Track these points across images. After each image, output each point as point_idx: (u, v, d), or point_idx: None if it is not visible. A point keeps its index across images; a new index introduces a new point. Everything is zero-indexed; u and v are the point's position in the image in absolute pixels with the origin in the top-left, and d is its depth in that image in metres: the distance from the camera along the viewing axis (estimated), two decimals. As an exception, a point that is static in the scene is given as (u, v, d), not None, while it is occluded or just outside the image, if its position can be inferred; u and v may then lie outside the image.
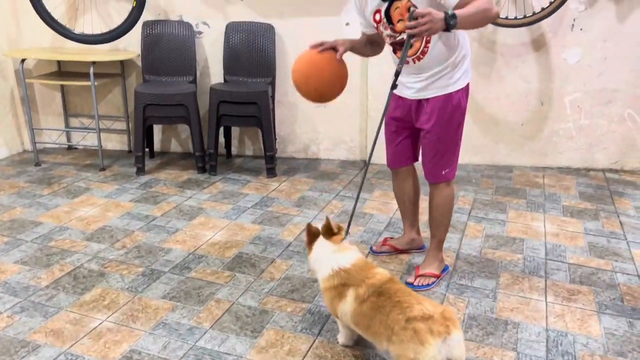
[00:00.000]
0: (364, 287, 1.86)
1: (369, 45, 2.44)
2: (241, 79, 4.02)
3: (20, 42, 4.32)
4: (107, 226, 3.08)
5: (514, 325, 2.17)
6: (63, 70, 4.33)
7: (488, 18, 2.03)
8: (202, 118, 3.98)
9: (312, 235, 2.04)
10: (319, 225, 2.05)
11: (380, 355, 1.96)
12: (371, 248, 2.81)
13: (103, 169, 4.02)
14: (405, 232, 2.76)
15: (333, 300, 1.94)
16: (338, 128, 4.19)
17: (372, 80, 3.94)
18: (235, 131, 4.34)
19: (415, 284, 2.44)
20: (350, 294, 1.88)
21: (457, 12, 1.94)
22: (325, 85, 2.25)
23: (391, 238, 2.85)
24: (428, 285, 2.44)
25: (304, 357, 1.99)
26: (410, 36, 1.99)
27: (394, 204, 3.36)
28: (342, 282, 1.91)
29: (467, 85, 2.31)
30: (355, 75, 4.00)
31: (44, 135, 4.56)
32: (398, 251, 2.75)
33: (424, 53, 2.21)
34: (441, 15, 1.92)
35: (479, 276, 2.54)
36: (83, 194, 3.57)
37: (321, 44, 2.26)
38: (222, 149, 4.25)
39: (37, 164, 4.13)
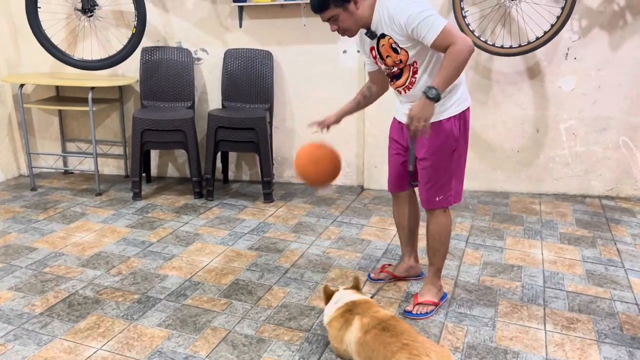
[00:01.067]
0: (369, 317, 1.99)
1: (373, 88, 2.57)
2: (239, 105, 4.05)
3: (20, 66, 4.35)
4: (102, 252, 3.06)
5: (513, 355, 2.15)
6: (61, 95, 4.36)
7: (464, 60, 2.05)
8: (199, 143, 3.99)
9: (328, 297, 2.22)
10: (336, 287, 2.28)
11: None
12: (369, 275, 2.79)
13: (99, 194, 4.01)
14: (404, 258, 2.75)
15: (340, 330, 2.05)
16: (335, 154, 4.20)
17: (368, 107, 3.96)
18: (232, 156, 4.35)
19: (413, 312, 2.42)
20: (356, 322, 2.00)
21: (435, 82, 2.07)
22: (324, 179, 2.52)
23: (389, 265, 2.84)
24: (427, 313, 2.43)
25: (302, 387, 1.96)
26: (414, 138, 2.21)
27: (392, 230, 3.35)
28: (349, 309, 2.06)
29: (463, 114, 2.31)
30: (353, 101, 4.04)
31: (41, 159, 4.55)
32: (396, 278, 2.74)
33: (412, 83, 2.28)
34: (423, 101, 2.06)
35: (477, 304, 2.52)
36: (79, 219, 3.55)
37: (320, 123, 2.59)
38: (219, 174, 4.26)
39: (33, 189, 4.11)
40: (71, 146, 4.56)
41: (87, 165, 4.49)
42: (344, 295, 2.17)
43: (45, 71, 4.32)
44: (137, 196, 3.91)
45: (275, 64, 4.04)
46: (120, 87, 4.26)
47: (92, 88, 3.87)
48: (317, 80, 4.04)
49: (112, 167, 4.56)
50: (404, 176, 2.52)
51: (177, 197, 3.97)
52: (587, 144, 3.85)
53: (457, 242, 3.19)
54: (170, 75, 4.08)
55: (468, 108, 2.33)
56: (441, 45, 2.06)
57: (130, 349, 2.17)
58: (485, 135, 3.97)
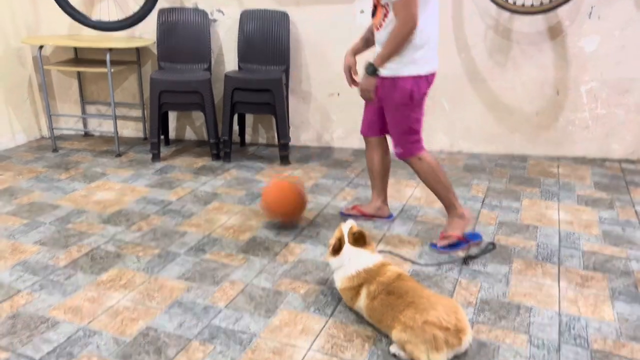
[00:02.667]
0: (375, 284, 2.03)
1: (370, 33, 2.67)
2: (255, 66, 4.04)
3: (38, 29, 4.38)
4: (123, 210, 3.13)
5: (526, 309, 2.17)
6: (80, 58, 4.39)
7: (402, 39, 2.31)
8: (216, 106, 4.01)
9: (340, 244, 2.18)
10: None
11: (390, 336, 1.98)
12: (341, 212, 3.04)
13: (119, 155, 4.07)
14: (373, 199, 2.97)
15: (352, 299, 2.11)
16: (351, 116, 4.19)
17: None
18: (249, 119, 4.37)
19: (438, 245, 2.63)
20: (363, 291, 2.05)
21: (376, 57, 2.40)
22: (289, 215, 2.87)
23: (361, 205, 3.04)
24: (451, 246, 2.61)
25: (317, 336, 2.02)
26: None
27: (408, 191, 3.37)
28: (359, 283, 2.07)
29: (423, 77, 2.43)
30: (370, 63, 4.00)
31: (61, 121, 4.62)
32: (365, 216, 2.96)
33: (380, 26, 2.43)
34: (364, 76, 2.44)
35: (491, 262, 2.54)
36: (100, 179, 3.62)
37: (349, 79, 2.70)
38: (236, 137, 4.28)
39: (55, 150, 4.19)
40: (90, 109, 4.61)
41: (107, 127, 4.55)
42: (353, 257, 2.13)
43: (63, 33, 4.34)
44: (156, 157, 3.96)
45: (292, 24, 4.01)
46: (137, 49, 4.27)
47: (110, 49, 3.89)
48: (333, 41, 4.00)
49: (130, 129, 4.61)
50: (375, 122, 2.72)
51: (195, 159, 4.01)
52: (609, 106, 3.78)
53: (472, 203, 3.20)
54: (186, 37, 4.07)
55: (431, 74, 2.47)
56: (396, 10, 2.28)
57: (151, 300, 2.25)
58: (504, 97, 3.92)
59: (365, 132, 2.81)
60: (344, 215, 2.97)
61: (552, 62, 3.78)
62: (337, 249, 2.16)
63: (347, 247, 2.15)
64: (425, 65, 2.43)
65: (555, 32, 3.71)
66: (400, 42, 2.31)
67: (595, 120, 3.83)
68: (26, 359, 1.89)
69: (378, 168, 2.85)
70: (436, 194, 2.66)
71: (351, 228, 2.20)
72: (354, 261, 2.12)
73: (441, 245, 2.61)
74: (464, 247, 2.60)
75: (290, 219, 2.91)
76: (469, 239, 2.64)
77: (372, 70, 2.42)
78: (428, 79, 2.46)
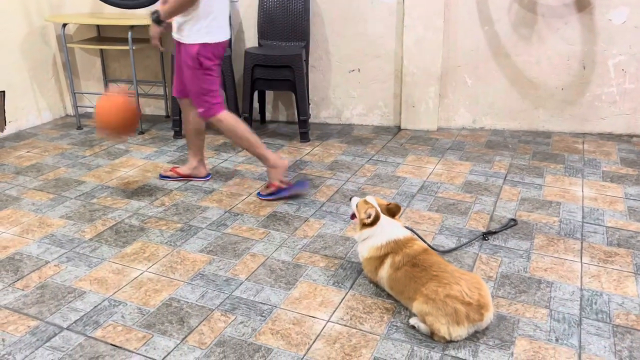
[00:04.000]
0: (401, 255, 2.02)
1: None
2: (275, 42, 4.02)
3: (62, 7, 4.41)
4: (146, 185, 3.18)
5: (547, 284, 2.16)
6: (102, 36, 4.42)
7: (180, 5, 2.59)
8: (237, 83, 4.01)
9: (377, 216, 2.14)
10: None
11: (410, 309, 1.99)
12: (160, 175, 3.24)
13: (142, 133, 4.12)
14: (189, 159, 3.19)
15: (376, 268, 2.10)
16: (372, 93, 4.17)
17: (407, 44, 3.89)
18: (269, 96, 4.37)
19: (262, 192, 2.96)
20: (388, 260, 2.05)
21: (159, 8, 2.67)
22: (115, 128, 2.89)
23: (177, 167, 3.25)
24: (271, 194, 2.93)
25: (336, 308, 2.04)
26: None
27: (428, 168, 3.35)
28: (387, 252, 2.06)
29: (209, 45, 2.70)
30: (390, 39, 3.95)
31: (85, 99, 4.69)
32: (183, 177, 3.19)
33: None
34: (151, 25, 2.73)
35: (513, 237, 2.52)
36: (123, 155, 3.68)
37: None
38: (256, 115, 4.29)
39: (79, 127, 4.26)
40: (113, 87, 4.65)
41: (129, 105, 4.59)
42: (386, 227, 2.11)
43: (86, 11, 4.38)
44: (177, 135, 4.00)
45: (312, 0, 3.97)
46: (158, 27, 4.27)
47: (132, 27, 3.91)
48: (353, 17, 3.95)
49: (153, 107, 4.65)
50: (181, 83, 2.93)
51: (216, 136, 4.04)
52: (638, 80, 3.68)
53: (494, 179, 3.16)
54: (207, 14, 4.06)
55: (217, 43, 2.73)
56: None
57: (174, 272, 2.29)
58: (528, 72, 3.84)
59: (176, 93, 3.04)
60: (163, 177, 3.21)
61: (578, 36, 3.68)
62: (374, 221, 2.12)
63: (383, 218, 2.13)
64: (210, 34, 2.71)
65: (582, 4, 3.60)
66: (177, 7, 2.61)
67: (623, 95, 3.74)
68: (54, 327, 1.96)
69: (193, 127, 3.07)
70: (245, 149, 2.94)
71: (383, 202, 2.18)
72: (385, 231, 2.10)
73: (263, 194, 2.95)
74: (286, 195, 2.92)
75: (123, 133, 2.98)
76: (295, 187, 2.95)
77: (155, 17, 2.70)
78: (214, 47, 2.74)
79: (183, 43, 2.75)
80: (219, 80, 2.86)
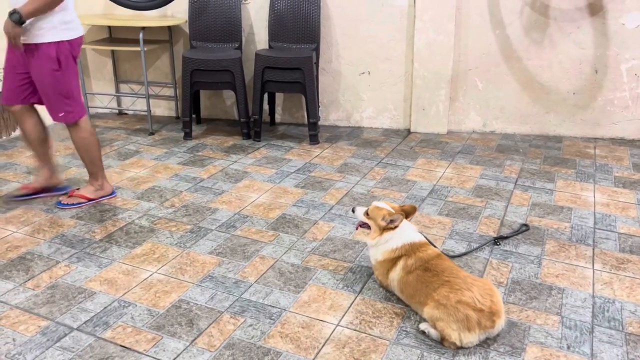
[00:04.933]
0: (413, 258, 2.01)
1: None
2: (286, 45, 4.03)
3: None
4: (156, 186, 3.19)
5: (558, 291, 2.14)
6: (114, 37, 4.45)
7: (45, 4, 2.44)
8: (247, 85, 4.02)
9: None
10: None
11: (420, 313, 1.98)
12: (12, 196, 2.96)
13: (152, 134, 4.14)
14: (40, 171, 2.99)
15: (388, 271, 2.08)
16: (382, 96, 4.16)
17: (418, 47, 3.88)
18: (279, 98, 4.37)
19: (63, 202, 2.87)
20: (400, 263, 2.03)
21: (23, 8, 2.42)
22: None
23: (27, 183, 3.07)
24: (75, 204, 2.87)
25: (346, 312, 2.03)
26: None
27: (438, 172, 3.33)
28: (400, 255, 2.04)
29: (68, 42, 2.57)
30: (401, 42, 3.95)
31: (96, 100, 4.71)
32: (38, 192, 2.97)
33: None
34: (7, 21, 2.43)
35: (524, 243, 2.51)
36: (133, 156, 3.69)
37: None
38: (266, 117, 4.30)
39: (90, 128, 4.28)
40: (124, 87, 4.68)
41: (140, 105, 4.62)
42: (404, 230, 2.09)
43: (98, 12, 4.40)
44: (187, 136, 4.01)
45: (323, 3, 3.97)
46: (169, 28, 4.30)
47: (143, 28, 3.93)
48: (364, 20, 3.95)
49: (163, 108, 4.67)
50: (16, 90, 2.72)
51: (226, 138, 4.05)
52: (650, 85, 3.65)
53: (505, 184, 3.15)
54: (218, 16, 4.08)
55: (76, 39, 2.62)
56: None
57: (184, 273, 2.30)
58: (539, 76, 3.82)
59: (8, 100, 2.77)
60: (17, 198, 2.93)
61: (591, 40, 3.65)
62: (396, 225, 2.09)
63: (404, 222, 2.11)
64: (69, 30, 2.58)
65: (595, 8, 3.58)
66: (42, 7, 2.44)
67: (635, 100, 3.71)
68: (65, 327, 1.97)
69: (35, 137, 2.86)
70: (85, 162, 2.89)
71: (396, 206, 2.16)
72: (402, 234, 2.08)
73: (64, 202, 2.87)
74: (83, 205, 2.87)
75: None
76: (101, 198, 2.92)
77: (16, 18, 2.44)
78: (73, 44, 2.61)
79: (34, 44, 2.53)
80: (78, 81, 2.73)
